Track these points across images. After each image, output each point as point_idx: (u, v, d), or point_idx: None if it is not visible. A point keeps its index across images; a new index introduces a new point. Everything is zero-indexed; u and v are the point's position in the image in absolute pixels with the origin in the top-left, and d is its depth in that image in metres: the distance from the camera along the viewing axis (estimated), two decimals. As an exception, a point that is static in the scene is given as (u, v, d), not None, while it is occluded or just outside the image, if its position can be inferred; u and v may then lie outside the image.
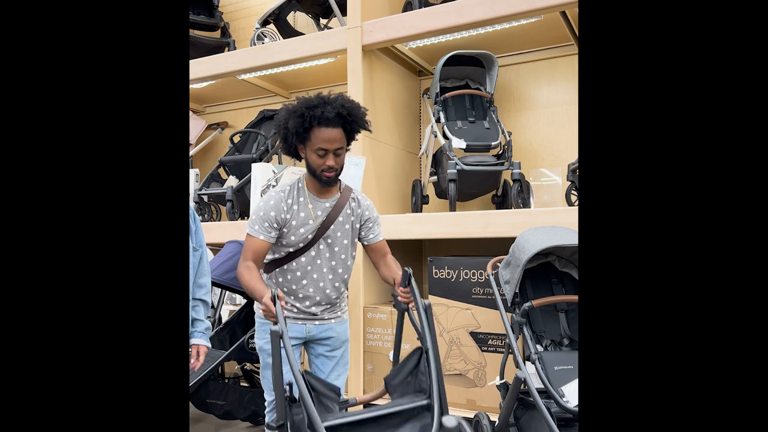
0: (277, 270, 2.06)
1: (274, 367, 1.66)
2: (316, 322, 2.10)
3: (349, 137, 1.97)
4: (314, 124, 1.88)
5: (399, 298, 1.95)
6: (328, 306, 2.10)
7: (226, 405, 3.03)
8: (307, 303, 2.06)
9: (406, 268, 1.95)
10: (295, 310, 2.07)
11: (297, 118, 1.89)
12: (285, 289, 2.06)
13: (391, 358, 2.16)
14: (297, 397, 1.70)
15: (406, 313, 2.03)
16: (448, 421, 1.60)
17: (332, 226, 2.02)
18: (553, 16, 3.18)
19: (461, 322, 3.04)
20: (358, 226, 2.10)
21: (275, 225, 1.97)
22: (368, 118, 2.00)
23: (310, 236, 1.99)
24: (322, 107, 1.88)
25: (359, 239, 2.13)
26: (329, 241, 2.02)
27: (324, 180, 1.96)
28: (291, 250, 2.01)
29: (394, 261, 2.12)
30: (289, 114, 1.92)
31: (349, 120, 1.91)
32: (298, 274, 2.02)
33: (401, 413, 1.66)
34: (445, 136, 3.30)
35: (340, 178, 2.07)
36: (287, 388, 1.69)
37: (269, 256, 2.09)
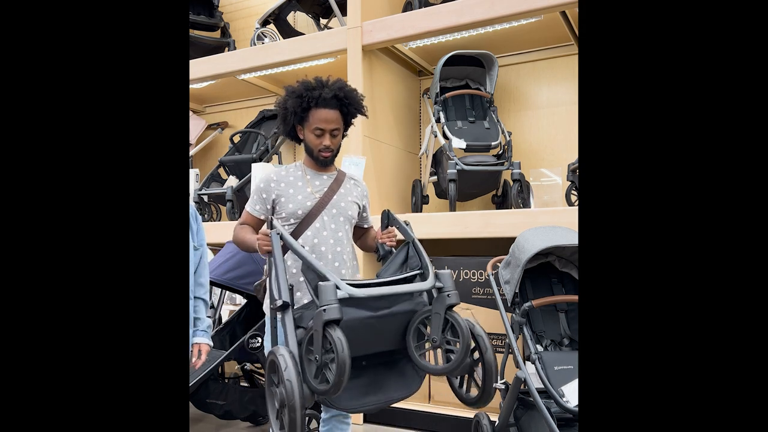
0: (287, 254, 2.05)
1: (278, 263, 1.74)
2: None
3: (346, 120, 2.04)
4: (312, 105, 1.97)
5: (380, 240, 2.02)
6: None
7: (226, 405, 3.03)
8: None
9: (384, 210, 2.03)
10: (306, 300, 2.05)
11: (296, 98, 1.98)
12: (295, 270, 2.04)
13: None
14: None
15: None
16: (443, 272, 1.75)
17: (335, 197, 2.03)
18: (553, 16, 3.18)
19: (461, 322, 3.04)
20: (362, 203, 2.13)
21: (264, 196, 2.04)
22: (365, 104, 2.08)
23: (309, 203, 2.00)
24: (320, 89, 1.96)
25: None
26: (334, 211, 2.02)
27: (321, 160, 2.04)
28: (293, 221, 2.01)
29: (373, 231, 2.21)
30: (288, 95, 2.01)
31: (346, 102, 1.99)
32: (306, 249, 2.00)
33: (399, 281, 1.77)
34: (445, 136, 3.30)
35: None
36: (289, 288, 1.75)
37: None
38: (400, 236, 2.00)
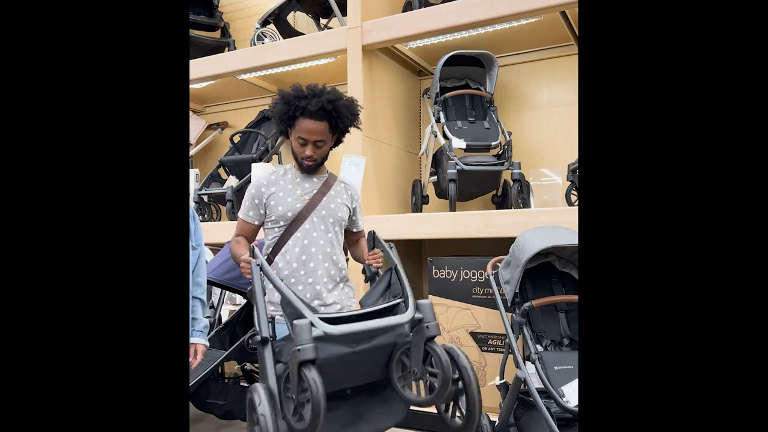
0: (278, 256, 2.05)
1: (257, 297, 1.71)
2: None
3: (336, 131, 2.02)
4: (298, 114, 1.95)
5: (367, 262, 2.01)
6: (332, 285, 2.06)
7: (226, 405, 3.03)
8: (311, 280, 2.02)
9: (370, 231, 2.03)
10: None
11: (283, 104, 1.96)
12: (287, 272, 2.03)
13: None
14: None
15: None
16: (423, 302, 1.70)
17: (324, 198, 2.04)
18: (553, 16, 3.18)
19: (461, 322, 3.04)
20: (351, 206, 2.14)
21: (256, 201, 2.05)
22: (360, 115, 2.05)
23: (299, 205, 2.01)
24: (309, 99, 1.93)
25: None
26: (323, 213, 2.03)
27: (304, 167, 2.05)
28: (283, 224, 2.02)
29: (364, 241, 2.19)
30: (278, 99, 2.00)
31: (334, 116, 1.95)
32: (297, 250, 2.00)
33: (378, 312, 1.73)
34: (445, 136, 3.30)
35: (329, 171, 2.17)
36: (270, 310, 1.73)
37: (269, 242, 2.10)
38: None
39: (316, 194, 2.04)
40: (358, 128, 2.08)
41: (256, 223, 2.08)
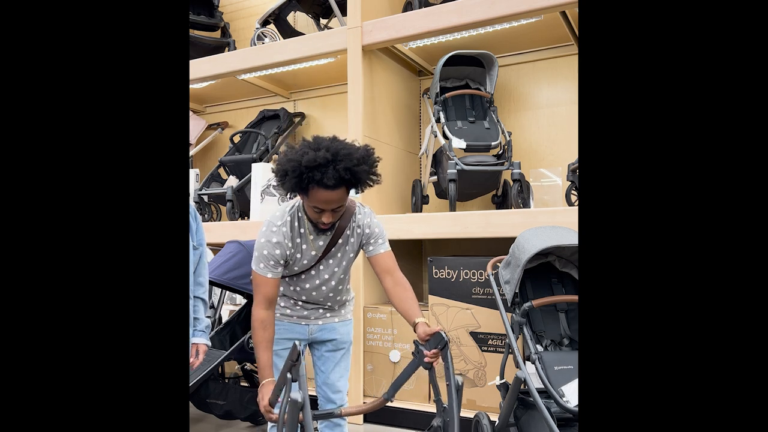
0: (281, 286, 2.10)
1: None
2: (320, 322, 2.11)
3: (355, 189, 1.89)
4: (312, 186, 1.75)
5: (426, 360, 1.77)
6: (330, 308, 2.12)
7: (226, 405, 3.03)
8: (306, 313, 2.10)
9: (441, 332, 1.76)
10: (298, 307, 2.08)
11: (295, 178, 1.76)
12: (283, 304, 2.10)
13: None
14: None
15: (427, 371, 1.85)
16: None
17: (333, 249, 2.01)
18: (553, 16, 3.19)
19: (461, 322, 3.04)
20: (364, 240, 2.04)
21: (281, 261, 1.93)
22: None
23: (310, 264, 2.01)
24: (324, 170, 1.71)
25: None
26: (330, 261, 2.02)
27: (320, 229, 1.92)
28: (288, 273, 2.04)
29: (404, 289, 1.96)
30: (287, 168, 1.77)
31: (353, 181, 1.78)
32: (298, 289, 2.06)
33: None
34: (445, 136, 3.30)
35: None
36: None
37: None
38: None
39: (325, 248, 1.98)
40: (378, 183, 1.89)
41: (280, 276, 1.96)
